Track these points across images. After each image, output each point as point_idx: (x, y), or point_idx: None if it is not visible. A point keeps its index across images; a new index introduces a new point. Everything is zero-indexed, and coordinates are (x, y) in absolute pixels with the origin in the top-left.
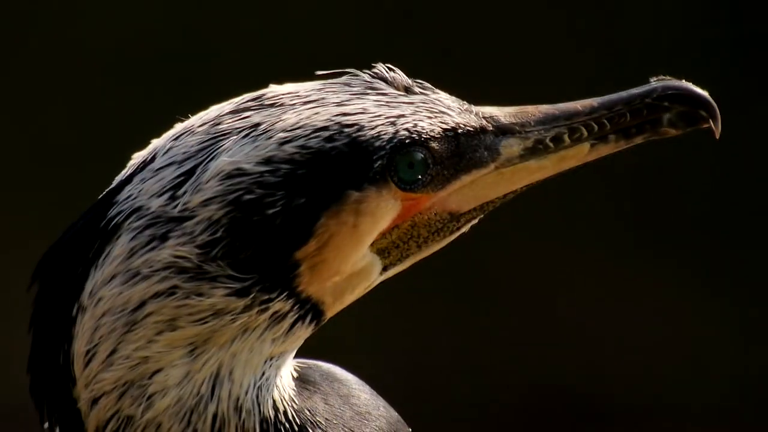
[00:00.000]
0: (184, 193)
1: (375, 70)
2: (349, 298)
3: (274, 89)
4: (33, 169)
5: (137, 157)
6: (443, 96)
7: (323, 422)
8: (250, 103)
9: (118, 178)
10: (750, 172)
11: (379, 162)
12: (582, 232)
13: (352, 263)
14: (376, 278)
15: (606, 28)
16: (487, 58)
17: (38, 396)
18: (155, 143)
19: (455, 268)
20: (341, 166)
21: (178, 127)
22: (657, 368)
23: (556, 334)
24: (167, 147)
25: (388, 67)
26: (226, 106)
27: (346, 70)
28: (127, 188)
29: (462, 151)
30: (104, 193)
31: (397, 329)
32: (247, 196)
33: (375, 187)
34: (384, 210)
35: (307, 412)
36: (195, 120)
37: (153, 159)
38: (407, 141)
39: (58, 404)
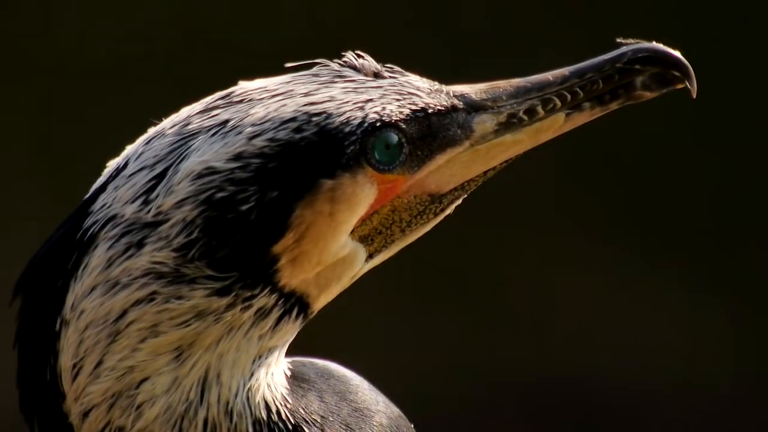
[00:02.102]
0: (157, 196)
1: (344, 59)
2: (336, 289)
3: (243, 86)
4: (32, 171)
5: (112, 165)
6: (413, 78)
7: (319, 420)
8: (219, 102)
9: (93, 187)
10: (752, 173)
11: (351, 147)
12: (582, 233)
13: (334, 252)
14: (361, 266)
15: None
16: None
17: (28, 412)
18: (129, 149)
19: (454, 267)
20: (312, 155)
21: (151, 131)
22: (656, 369)
23: (556, 335)
24: (139, 152)
25: (357, 54)
26: (196, 106)
27: (316, 61)
28: (102, 197)
29: (434, 130)
30: (81, 202)
31: (395, 328)
32: (220, 194)
33: (349, 173)
34: (360, 195)
35: (302, 411)
36: (166, 122)
37: (126, 165)
38: (377, 124)
39: (50, 419)
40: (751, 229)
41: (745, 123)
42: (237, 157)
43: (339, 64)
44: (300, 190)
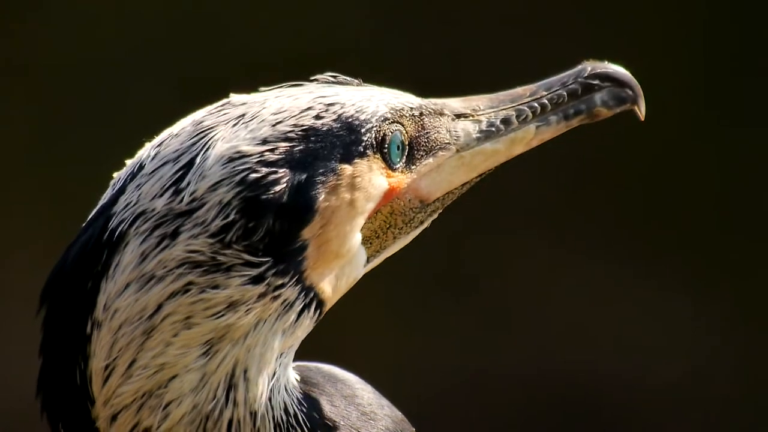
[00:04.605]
0: (188, 184)
1: (320, 78)
2: (342, 290)
3: (237, 97)
4: (32, 173)
5: (121, 173)
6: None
7: (331, 424)
8: (224, 107)
9: (106, 195)
10: (751, 172)
11: (368, 135)
12: (580, 234)
13: (348, 247)
14: (361, 270)
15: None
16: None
17: (53, 418)
18: (138, 155)
19: (452, 270)
20: (333, 141)
21: (159, 137)
22: (655, 369)
23: (555, 335)
24: (154, 153)
25: (332, 76)
26: (198, 113)
27: (291, 83)
28: (123, 198)
29: (428, 131)
30: (96, 209)
31: (395, 333)
32: (253, 175)
33: (366, 161)
34: (375, 185)
35: (316, 415)
36: (173, 128)
37: (141, 167)
38: (388, 115)
39: (75, 425)
40: (750, 228)
41: (743, 122)
42: (264, 141)
43: (318, 82)
44: (325, 174)
